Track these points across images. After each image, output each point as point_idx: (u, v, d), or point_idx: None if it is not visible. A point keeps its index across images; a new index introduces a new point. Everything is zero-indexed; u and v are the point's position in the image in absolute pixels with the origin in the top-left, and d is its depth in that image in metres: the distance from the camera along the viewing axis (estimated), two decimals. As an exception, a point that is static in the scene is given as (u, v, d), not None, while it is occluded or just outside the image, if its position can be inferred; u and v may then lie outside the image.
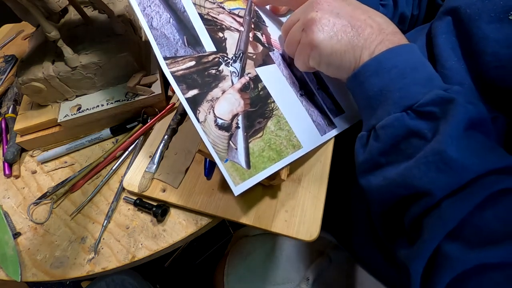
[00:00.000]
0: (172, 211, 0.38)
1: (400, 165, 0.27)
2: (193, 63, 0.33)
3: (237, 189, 0.30)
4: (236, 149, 0.31)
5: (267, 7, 0.44)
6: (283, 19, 0.44)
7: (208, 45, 0.34)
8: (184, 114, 0.44)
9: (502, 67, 0.29)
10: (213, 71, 0.33)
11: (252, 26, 0.39)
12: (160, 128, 0.44)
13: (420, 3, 0.50)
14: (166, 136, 0.42)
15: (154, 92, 0.44)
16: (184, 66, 0.32)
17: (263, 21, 0.41)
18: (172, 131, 0.43)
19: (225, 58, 0.35)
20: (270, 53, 0.39)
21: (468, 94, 0.27)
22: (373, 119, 0.30)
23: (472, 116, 0.25)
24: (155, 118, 0.45)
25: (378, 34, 0.31)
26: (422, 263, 0.24)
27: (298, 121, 0.36)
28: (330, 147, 0.39)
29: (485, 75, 0.30)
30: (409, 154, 0.27)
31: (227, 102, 0.33)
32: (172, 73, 0.31)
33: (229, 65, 0.35)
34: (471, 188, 0.23)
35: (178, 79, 0.31)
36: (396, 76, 0.29)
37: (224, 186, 0.37)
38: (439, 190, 0.24)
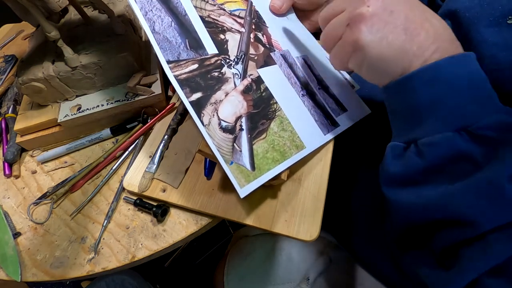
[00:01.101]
0: (172, 211, 0.38)
1: (440, 186, 0.25)
2: (195, 66, 0.33)
3: (243, 191, 0.30)
4: (241, 151, 0.31)
5: (267, 6, 0.44)
6: (283, 19, 0.44)
7: (210, 48, 0.35)
8: (184, 114, 0.44)
9: (500, 71, 0.29)
10: (216, 74, 0.34)
11: (253, 27, 0.39)
12: (160, 128, 0.44)
13: (420, 3, 0.50)
14: (166, 136, 0.42)
15: (154, 92, 0.44)
16: (187, 70, 0.32)
17: (264, 22, 0.41)
18: (172, 131, 0.43)
19: (227, 60, 0.35)
20: (271, 54, 0.39)
21: None
22: (416, 132, 0.27)
23: None
24: (155, 118, 0.45)
25: (434, 41, 0.27)
26: None
27: (301, 122, 0.36)
28: (330, 147, 0.39)
29: None
30: (453, 177, 0.25)
31: (231, 104, 0.33)
32: (175, 76, 0.31)
33: (231, 67, 0.35)
34: None
35: (182, 82, 0.31)
36: (452, 90, 0.26)
37: (224, 186, 0.37)
38: (487, 222, 0.22)
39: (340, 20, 0.30)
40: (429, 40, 0.27)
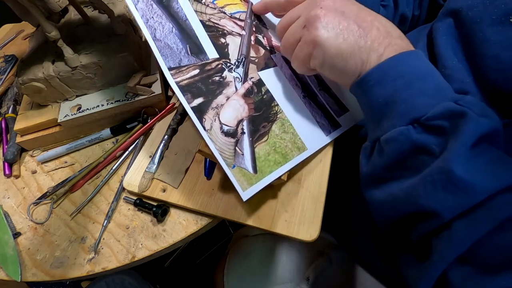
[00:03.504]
0: (172, 211, 0.38)
1: (405, 181, 0.25)
2: (197, 71, 0.33)
3: (246, 194, 0.30)
4: (243, 154, 0.31)
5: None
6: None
7: (211, 52, 0.35)
8: (184, 114, 0.44)
9: (503, 70, 0.29)
10: (217, 78, 0.34)
11: (253, 29, 0.39)
12: (160, 128, 0.44)
13: (421, 4, 0.50)
14: (166, 136, 0.42)
15: (154, 92, 0.44)
16: (188, 75, 0.32)
17: (264, 24, 0.41)
18: (172, 131, 0.43)
19: (228, 64, 0.35)
20: (272, 56, 0.39)
21: (481, 104, 0.25)
22: (377, 131, 0.28)
23: (484, 131, 0.23)
24: (155, 118, 0.45)
25: (385, 37, 0.28)
26: (429, 286, 0.23)
27: (302, 123, 0.36)
28: (330, 147, 0.39)
29: (486, 78, 0.30)
30: (415, 170, 0.25)
31: (232, 108, 0.33)
32: (177, 83, 0.31)
33: (232, 71, 0.35)
34: (484, 209, 0.22)
35: (183, 88, 0.31)
36: (402, 86, 0.27)
37: (224, 186, 0.37)
38: (447, 211, 0.22)
39: (297, 25, 0.32)
40: (381, 36, 0.28)
